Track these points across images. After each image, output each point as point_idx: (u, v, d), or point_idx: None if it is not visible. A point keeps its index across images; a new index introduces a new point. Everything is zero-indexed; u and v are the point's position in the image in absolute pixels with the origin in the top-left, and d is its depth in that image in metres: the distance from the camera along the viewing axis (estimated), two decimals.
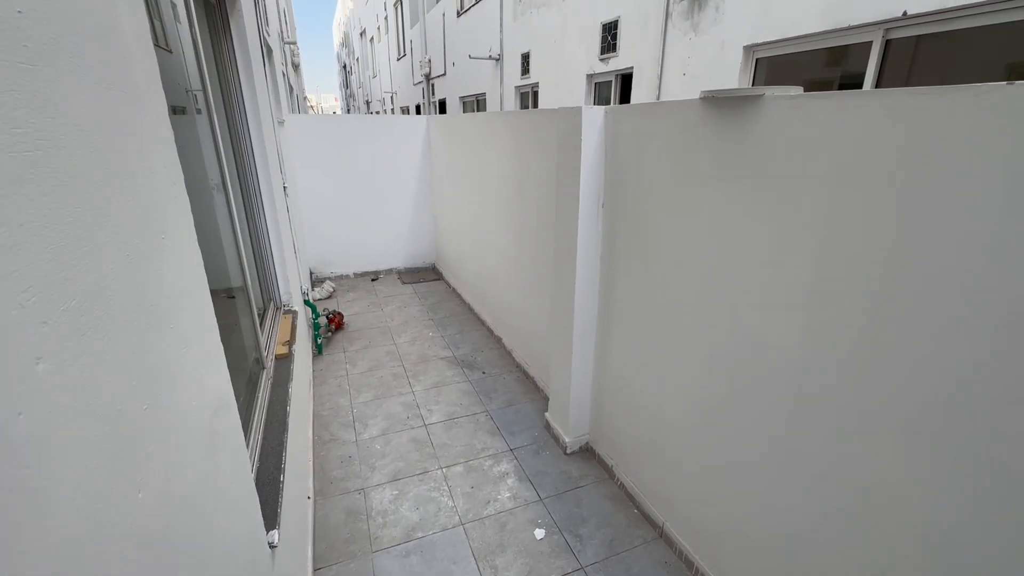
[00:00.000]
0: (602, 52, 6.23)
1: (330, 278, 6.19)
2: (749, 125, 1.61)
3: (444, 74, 12.32)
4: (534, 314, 3.59)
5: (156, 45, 0.97)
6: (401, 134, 6.04)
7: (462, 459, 2.92)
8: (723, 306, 1.83)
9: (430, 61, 13.12)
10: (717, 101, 1.72)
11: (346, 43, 36.18)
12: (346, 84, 39.68)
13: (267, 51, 4.09)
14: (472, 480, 2.74)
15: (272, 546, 1.38)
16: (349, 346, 4.40)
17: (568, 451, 2.95)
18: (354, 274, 6.37)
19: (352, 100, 37.56)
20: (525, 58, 8.29)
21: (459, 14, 10.80)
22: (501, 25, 8.84)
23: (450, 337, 4.56)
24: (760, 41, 4.16)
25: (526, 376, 3.85)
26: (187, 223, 0.99)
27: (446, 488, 2.68)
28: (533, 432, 3.17)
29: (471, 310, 5.18)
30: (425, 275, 6.44)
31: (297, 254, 3.91)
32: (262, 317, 2.64)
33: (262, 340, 2.39)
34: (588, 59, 6.54)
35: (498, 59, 9.14)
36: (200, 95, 1.95)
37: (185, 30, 1.85)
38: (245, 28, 2.61)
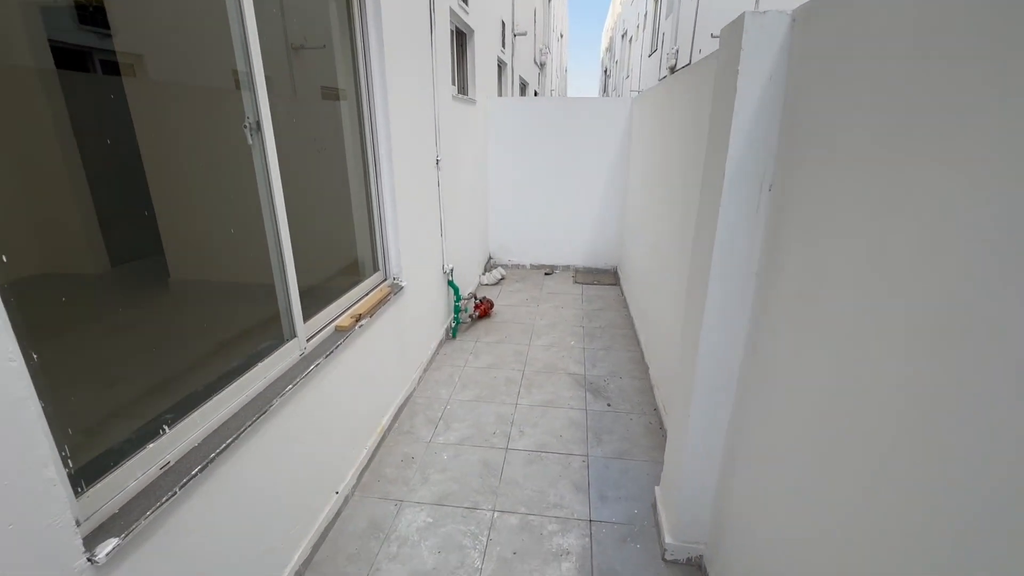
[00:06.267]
0: None
1: (505, 266, 6.09)
2: None
3: (688, 63, 11.07)
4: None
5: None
6: (599, 118, 5.47)
7: (523, 508, 2.26)
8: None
9: (677, 52, 11.99)
10: None
11: (611, 48, 36.88)
12: (604, 89, 40.67)
13: (457, 32, 4.08)
14: (520, 543, 2.07)
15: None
16: (484, 336, 4.12)
17: (667, 557, 1.98)
18: (530, 265, 6.13)
19: None
20: None
21: None
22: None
23: (592, 352, 3.83)
24: None
25: (660, 425, 2.88)
26: None
27: (483, 540, 2.08)
28: (633, 506, 2.28)
29: (631, 326, 4.30)
30: (602, 278, 5.75)
31: (443, 232, 3.79)
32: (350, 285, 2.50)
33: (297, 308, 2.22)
34: None
35: None
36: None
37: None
38: (383, 24, 2.53)
